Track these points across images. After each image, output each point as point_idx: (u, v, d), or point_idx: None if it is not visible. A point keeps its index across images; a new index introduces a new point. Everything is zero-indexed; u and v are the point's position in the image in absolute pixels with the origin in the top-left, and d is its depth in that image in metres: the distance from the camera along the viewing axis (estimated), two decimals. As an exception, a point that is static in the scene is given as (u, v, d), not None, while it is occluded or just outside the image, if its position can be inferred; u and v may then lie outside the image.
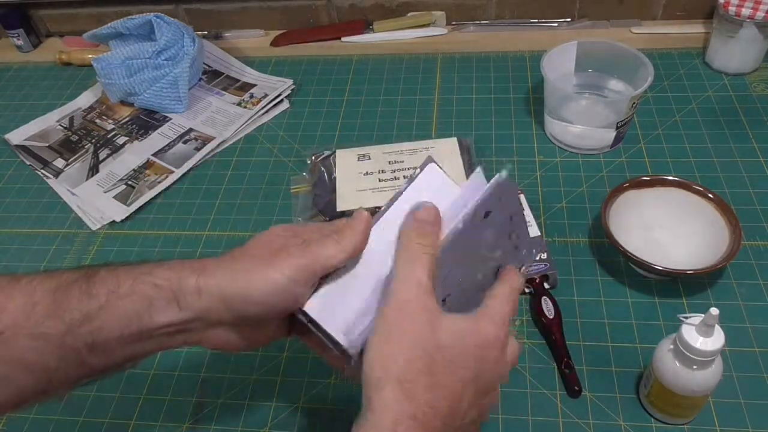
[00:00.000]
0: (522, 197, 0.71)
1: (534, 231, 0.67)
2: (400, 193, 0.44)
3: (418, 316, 0.37)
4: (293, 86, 0.94)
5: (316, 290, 0.41)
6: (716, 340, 0.46)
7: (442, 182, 0.45)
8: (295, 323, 0.44)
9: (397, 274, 0.38)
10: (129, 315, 0.38)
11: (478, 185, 0.43)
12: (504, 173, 0.42)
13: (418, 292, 0.37)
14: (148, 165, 0.85)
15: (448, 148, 0.79)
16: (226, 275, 0.39)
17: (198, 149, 0.86)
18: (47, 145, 0.91)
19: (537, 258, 0.64)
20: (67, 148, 0.90)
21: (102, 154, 0.88)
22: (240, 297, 0.39)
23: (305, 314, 0.41)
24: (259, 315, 0.40)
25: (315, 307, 0.41)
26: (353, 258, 0.41)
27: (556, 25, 0.99)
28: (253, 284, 0.39)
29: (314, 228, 0.43)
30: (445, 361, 0.37)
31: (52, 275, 0.39)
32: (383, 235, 0.42)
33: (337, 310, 0.41)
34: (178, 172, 0.83)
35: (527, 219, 0.68)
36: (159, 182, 0.82)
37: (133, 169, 0.85)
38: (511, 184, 0.44)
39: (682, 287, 0.63)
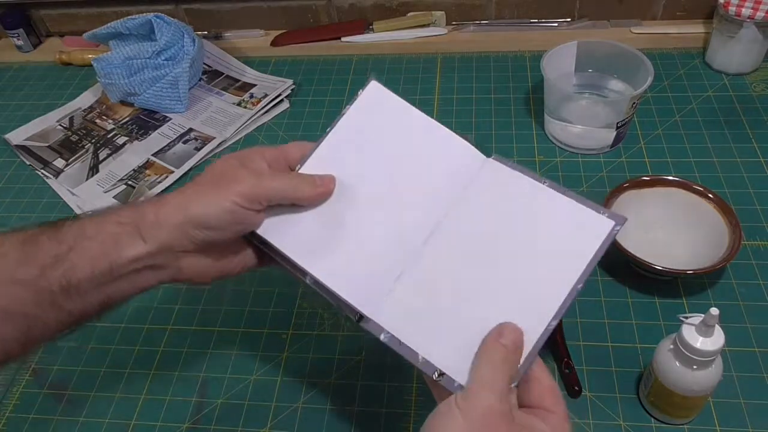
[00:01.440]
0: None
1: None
2: (342, 115, 0.47)
3: (500, 429, 0.35)
4: (293, 86, 0.94)
5: (268, 217, 0.44)
6: (716, 340, 0.46)
7: (387, 99, 0.48)
8: (265, 253, 0.47)
9: (478, 379, 0.37)
10: (97, 254, 0.40)
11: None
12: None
13: (499, 404, 0.36)
14: (148, 165, 0.85)
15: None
16: (180, 204, 0.42)
17: (198, 149, 0.86)
18: (47, 145, 0.91)
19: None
20: (67, 148, 0.90)
21: (102, 154, 0.88)
22: (193, 222, 0.41)
23: (256, 236, 0.44)
24: (215, 239, 0.42)
25: (265, 228, 0.44)
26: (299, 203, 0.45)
27: (556, 25, 0.99)
28: (204, 209, 0.41)
29: (264, 164, 0.45)
30: None
31: (20, 230, 0.41)
32: (332, 160, 0.45)
33: (288, 231, 0.44)
34: (178, 172, 0.83)
35: None
36: (159, 182, 0.82)
37: (133, 169, 0.85)
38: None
39: (682, 287, 0.63)
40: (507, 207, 0.44)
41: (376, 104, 0.48)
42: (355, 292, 0.43)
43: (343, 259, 0.44)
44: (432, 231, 0.44)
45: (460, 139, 0.47)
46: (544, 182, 0.44)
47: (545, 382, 0.39)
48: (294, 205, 0.44)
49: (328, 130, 0.47)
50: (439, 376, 0.39)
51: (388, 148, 0.47)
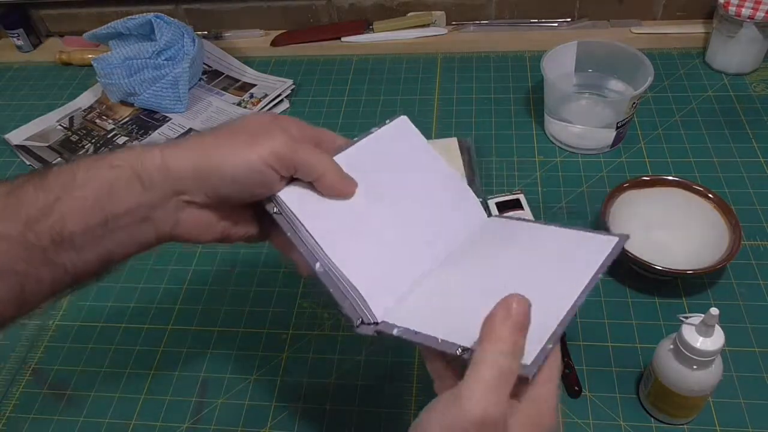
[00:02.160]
0: (522, 197, 0.71)
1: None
2: (366, 134, 0.47)
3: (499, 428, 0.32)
4: (293, 86, 0.94)
5: (289, 187, 0.41)
6: (716, 340, 0.46)
7: (413, 135, 0.49)
8: (266, 225, 0.44)
9: (480, 368, 0.32)
10: (89, 203, 0.36)
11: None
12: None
13: (500, 404, 0.32)
14: (148, 165, 0.85)
15: (448, 148, 0.79)
16: (200, 150, 0.38)
17: (198, 149, 0.86)
18: (47, 145, 0.91)
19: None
20: (67, 148, 0.90)
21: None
22: (214, 171, 0.38)
23: (277, 202, 0.41)
24: (231, 194, 0.39)
25: (288, 198, 0.41)
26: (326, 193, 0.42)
27: (556, 25, 0.99)
28: (229, 160, 0.37)
29: (297, 130, 0.42)
30: None
31: (6, 181, 0.37)
32: (350, 169, 0.44)
33: (308, 209, 0.41)
34: (178, 172, 0.83)
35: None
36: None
37: (133, 169, 0.84)
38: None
39: (682, 287, 0.63)
40: (513, 236, 0.46)
41: (401, 136, 0.49)
42: (368, 286, 0.41)
43: (359, 253, 0.42)
44: (442, 256, 0.45)
45: (473, 194, 0.49)
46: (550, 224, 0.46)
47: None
48: (312, 189, 0.42)
49: (350, 142, 0.47)
50: (462, 351, 0.36)
51: (404, 177, 0.47)
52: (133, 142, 0.82)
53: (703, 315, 0.46)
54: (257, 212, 0.44)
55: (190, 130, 0.89)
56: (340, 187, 0.42)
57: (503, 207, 0.70)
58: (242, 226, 0.43)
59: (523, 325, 0.33)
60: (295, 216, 0.41)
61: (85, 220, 0.36)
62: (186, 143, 0.38)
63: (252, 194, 0.40)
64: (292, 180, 0.41)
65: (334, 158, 0.43)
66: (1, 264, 0.35)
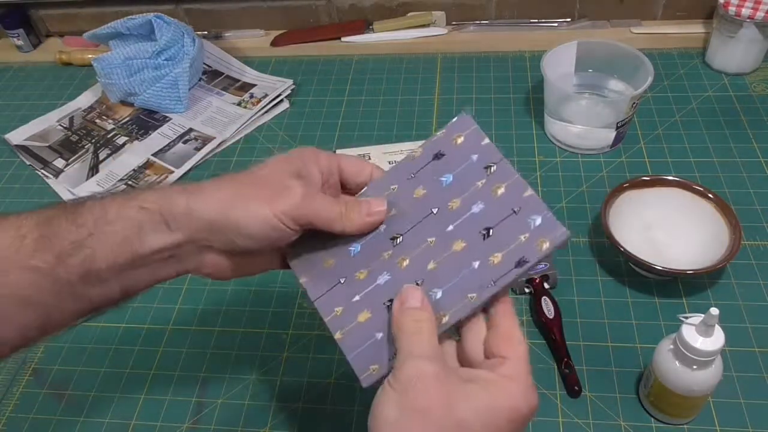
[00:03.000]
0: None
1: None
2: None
3: (432, 390, 0.33)
4: (293, 86, 0.94)
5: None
6: (716, 340, 0.46)
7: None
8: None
9: (400, 351, 0.36)
10: (119, 241, 0.38)
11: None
12: (463, 113, 0.42)
13: (426, 365, 0.34)
14: (148, 165, 0.85)
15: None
16: (220, 201, 0.39)
17: (198, 149, 0.86)
18: (47, 145, 0.91)
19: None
20: (67, 148, 0.90)
21: (102, 154, 0.88)
22: (232, 227, 0.39)
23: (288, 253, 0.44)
24: (247, 247, 0.40)
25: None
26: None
27: (556, 25, 0.99)
28: (246, 218, 0.39)
29: (318, 176, 0.42)
30: None
31: (38, 210, 0.39)
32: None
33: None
34: (178, 172, 0.83)
35: None
36: (159, 182, 0.82)
37: (133, 169, 0.85)
38: (465, 121, 0.42)
39: (682, 287, 0.63)
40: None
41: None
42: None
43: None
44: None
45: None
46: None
47: (501, 328, 0.37)
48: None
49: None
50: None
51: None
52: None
53: (703, 315, 0.46)
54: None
55: (191, 130, 0.89)
56: (363, 225, 0.42)
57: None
58: (262, 263, 0.45)
59: (428, 316, 0.38)
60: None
61: (114, 257, 0.38)
62: (210, 191, 0.40)
63: (269, 246, 0.41)
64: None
65: (365, 190, 0.44)
66: (31, 296, 0.37)
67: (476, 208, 0.40)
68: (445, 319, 0.38)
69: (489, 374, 0.35)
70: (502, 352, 0.36)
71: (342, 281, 0.42)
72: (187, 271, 0.42)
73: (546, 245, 0.38)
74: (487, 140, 0.42)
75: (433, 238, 0.41)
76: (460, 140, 0.42)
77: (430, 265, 0.40)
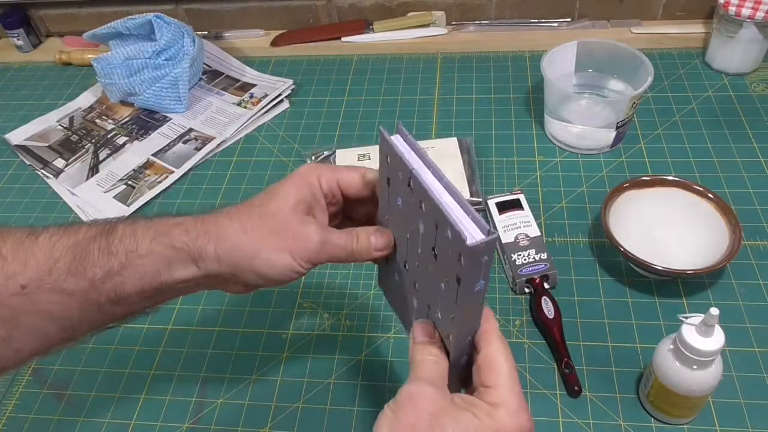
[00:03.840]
0: (522, 197, 0.71)
1: (534, 231, 0.67)
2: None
3: (421, 409, 0.36)
4: (293, 86, 0.94)
5: None
6: (716, 340, 0.46)
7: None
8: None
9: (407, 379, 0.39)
10: (149, 272, 0.40)
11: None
12: (381, 129, 0.40)
13: (420, 387, 0.37)
14: (148, 165, 0.85)
15: (448, 148, 0.79)
16: (244, 250, 0.41)
17: (198, 149, 0.86)
18: (47, 145, 0.91)
19: (536, 257, 0.64)
20: (67, 148, 0.90)
21: (102, 154, 0.88)
22: (256, 272, 0.42)
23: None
24: (267, 285, 0.43)
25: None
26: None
27: (556, 25, 0.99)
28: (271, 267, 0.41)
29: (324, 203, 0.44)
30: None
31: (70, 230, 0.40)
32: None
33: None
34: (178, 172, 0.83)
35: (527, 220, 0.68)
36: (159, 182, 0.82)
37: (133, 169, 0.85)
38: (384, 140, 0.39)
39: (682, 287, 0.63)
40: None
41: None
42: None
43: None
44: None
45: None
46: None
47: (482, 355, 0.38)
48: None
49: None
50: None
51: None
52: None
53: (703, 315, 0.46)
54: None
55: (191, 130, 0.89)
56: (372, 257, 0.44)
57: (503, 207, 0.70)
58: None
59: (426, 348, 0.40)
60: None
61: (142, 285, 0.40)
62: (236, 241, 0.41)
63: (284, 283, 0.43)
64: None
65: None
66: (59, 312, 0.39)
67: (422, 228, 0.38)
68: (451, 338, 0.38)
69: (478, 401, 0.37)
70: (485, 381, 0.37)
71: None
72: (212, 288, 0.45)
73: (463, 260, 0.33)
74: (399, 150, 0.38)
75: (417, 262, 0.41)
76: (390, 160, 0.40)
77: (428, 288, 0.40)
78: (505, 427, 0.35)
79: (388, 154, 0.40)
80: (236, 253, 0.41)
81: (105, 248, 0.40)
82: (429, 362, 0.39)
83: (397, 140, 0.40)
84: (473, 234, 0.33)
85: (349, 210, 0.47)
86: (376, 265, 0.48)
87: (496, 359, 0.38)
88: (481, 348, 0.38)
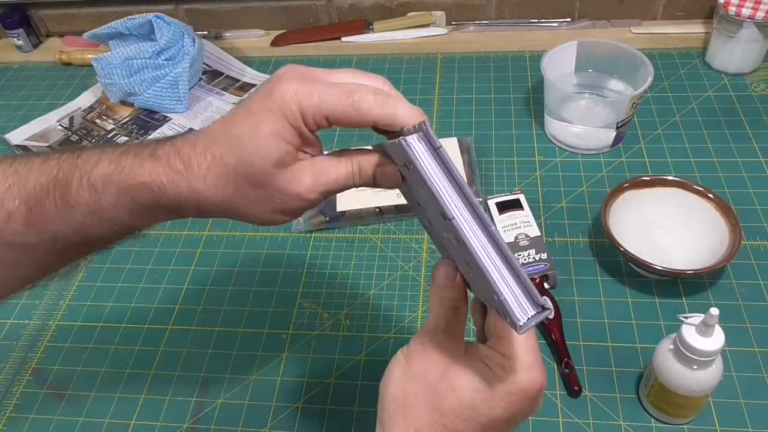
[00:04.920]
0: (522, 197, 0.71)
1: (534, 231, 0.67)
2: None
3: (432, 357, 0.36)
4: (293, 86, 0.94)
5: None
6: (716, 340, 0.46)
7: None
8: None
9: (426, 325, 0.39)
10: (116, 222, 0.37)
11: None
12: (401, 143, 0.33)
13: (433, 336, 0.37)
14: (148, 165, 0.85)
15: (448, 148, 0.78)
16: (224, 199, 0.36)
17: (198, 149, 0.86)
18: (47, 145, 0.91)
19: (537, 257, 0.64)
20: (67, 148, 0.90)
21: (102, 154, 0.88)
22: (238, 215, 0.38)
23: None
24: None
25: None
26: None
27: (556, 25, 0.99)
28: (257, 221, 0.38)
29: (310, 134, 0.36)
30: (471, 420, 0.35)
31: (20, 176, 0.36)
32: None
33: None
34: (178, 172, 0.83)
35: (528, 220, 0.68)
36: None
37: (133, 169, 0.84)
38: (402, 150, 0.33)
39: (682, 287, 0.63)
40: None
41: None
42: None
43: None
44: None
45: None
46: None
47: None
48: None
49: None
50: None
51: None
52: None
53: (703, 315, 0.46)
54: None
55: (191, 130, 0.89)
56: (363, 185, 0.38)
57: (503, 207, 0.70)
58: None
59: (447, 294, 0.39)
60: None
61: (110, 228, 0.37)
62: (212, 186, 0.36)
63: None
64: None
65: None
66: (27, 256, 0.37)
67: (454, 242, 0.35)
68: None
69: (492, 352, 0.36)
70: (500, 332, 0.36)
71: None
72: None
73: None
74: (428, 176, 0.33)
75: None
76: (412, 170, 0.34)
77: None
78: (516, 379, 0.35)
79: (407, 163, 0.34)
80: (215, 200, 0.36)
81: (62, 203, 0.36)
82: (446, 308, 0.38)
83: (417, 148, 0.33)
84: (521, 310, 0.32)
85: None
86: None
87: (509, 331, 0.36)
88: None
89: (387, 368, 0.38)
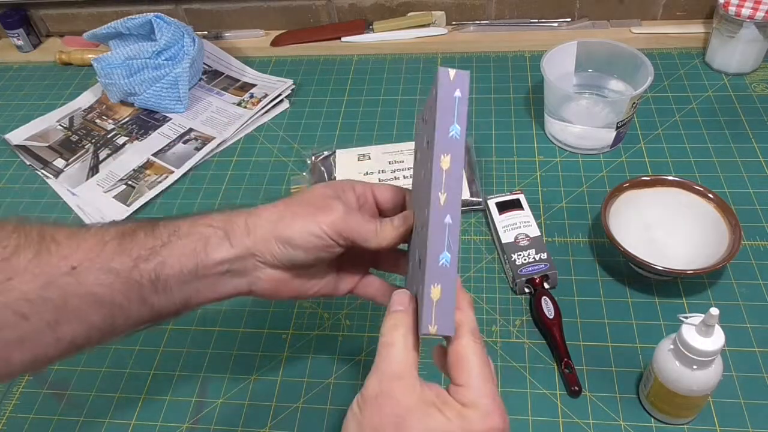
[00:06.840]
0: (522, 197, 0.71)
1: (534, 231, 0.67)
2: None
3: (386, 409, 0.35)
4: (293, 86, 0.94)
5: None
6: (716, 340, 0.46)
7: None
8: (342, 282, 0.49)
9: (373, 366, 0.38)
10: (188, 252, 0.42)
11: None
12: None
13: (386, 383, 0.36)
14: (148, 165, 0.85)
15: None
16: (270, 219, 0.44)
17: (198, 149, 0.86)
18: (47, 145, 0.91)
19: (536, 257, 0.64)
20: (67, 148, 0.90)
21: (102, 154, 0.88)
22: (282, 238, 0.43)
23: None
24: (296, 259, 0.44)
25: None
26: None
27: (556, 25, 0.99)
28: (292, 231, 0.43)
29: (355, 200, 0.46)
30: None
31: (119, 224, 0.43)
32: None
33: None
34: (178, 172, 0.83)
35: (527, 220, 0.68)
36: (159, 182, 0.82)
37: (133, 169, 0.85)
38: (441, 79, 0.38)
39: (682, 287, 0.63)
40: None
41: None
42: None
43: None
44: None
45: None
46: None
47: (451, 351, 0.37)
48: None
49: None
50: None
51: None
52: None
53: (703, 315, 0.46)
54: (335, 271, 0.48)
55: (191, 130, 0.89)
56: (385, 246, 0.44)
57: (503, 207, 0.70)
58: (316, 285, 0.48)
59: (401, 320, 0.40)
60: None
61: (181, 266, 0.42)
62: (264, 211, 0.45)
63: (315, 258, 0.44)
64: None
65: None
66: (104, 295, 0.40)
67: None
68: (424, 257, 0.37)
69: (450, 400, 0.36)
70: (455, 379, 0.36)
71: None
72: (245, 289, 0.45)
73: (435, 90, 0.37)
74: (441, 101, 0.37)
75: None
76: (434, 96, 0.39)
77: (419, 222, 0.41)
78: (475, 429, 0.34)
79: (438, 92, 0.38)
80: (263, 223, 0.44)
81: (150, 233, 0.42)
82: (398, 346, 0.37)
83: (445, 81, 0.38)
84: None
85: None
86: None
87: (466, 356, 0.36)
88: (452, 341, 0.37)
89: (344, 419, 0.37)
